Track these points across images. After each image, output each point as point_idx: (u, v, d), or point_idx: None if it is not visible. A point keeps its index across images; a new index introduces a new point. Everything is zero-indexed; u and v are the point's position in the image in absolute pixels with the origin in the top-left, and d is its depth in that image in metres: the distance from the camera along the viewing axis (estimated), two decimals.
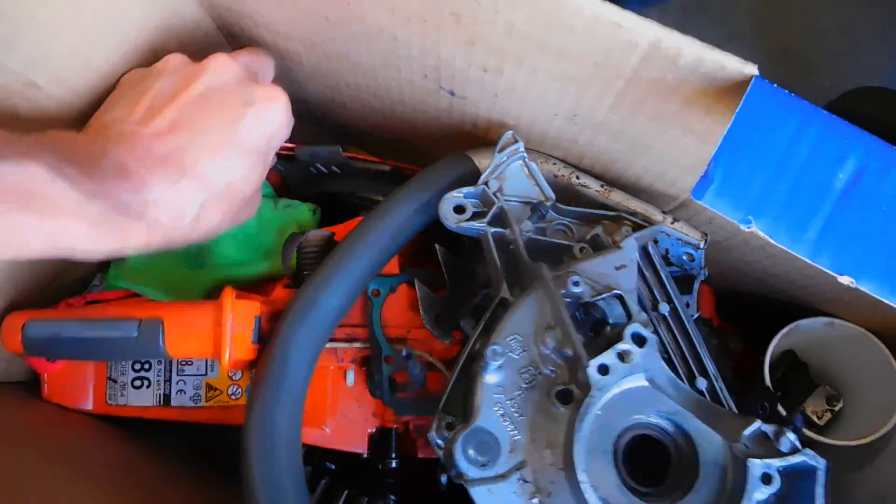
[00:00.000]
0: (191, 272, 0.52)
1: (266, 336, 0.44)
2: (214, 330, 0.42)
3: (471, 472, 0.34)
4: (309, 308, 0.40)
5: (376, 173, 0.53)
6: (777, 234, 0.29)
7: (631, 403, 0.35)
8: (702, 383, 0.41)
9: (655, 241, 0.43)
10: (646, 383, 0.35)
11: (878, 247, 0.29)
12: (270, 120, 0.42)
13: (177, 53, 0.42)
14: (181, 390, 0.51)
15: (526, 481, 0.34)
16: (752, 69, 0.30)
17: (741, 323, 0.53)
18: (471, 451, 0.34)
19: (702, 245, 0.43)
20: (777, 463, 0.33)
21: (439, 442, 0.35)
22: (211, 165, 0.39)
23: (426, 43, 0.40)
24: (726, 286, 0.50)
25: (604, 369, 0.34)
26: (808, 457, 0.33)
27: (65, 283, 0.53)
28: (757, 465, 0.32)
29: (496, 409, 0.35)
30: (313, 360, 0.40)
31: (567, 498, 0.33)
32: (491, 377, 0.36)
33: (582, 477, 0.31)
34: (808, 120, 0.29)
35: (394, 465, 0.46)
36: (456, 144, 0.51)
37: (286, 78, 0.53)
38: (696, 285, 0.48)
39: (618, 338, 0.36)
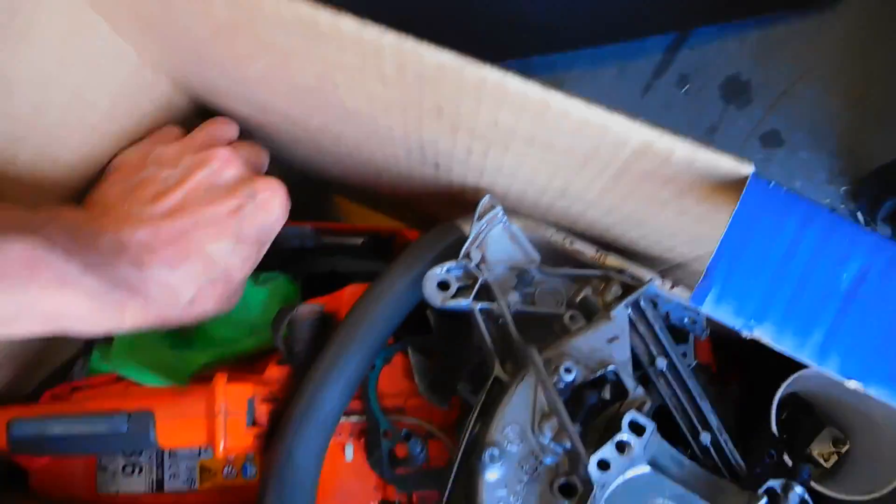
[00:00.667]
0: (177, 353, 0.51)
1: (261, 422, 0.44)
2: (208, 418, 0.41)
3: None
4: (313, 407, 0.39)
5: (352, 247, 0.52)
6: (781, 340, 0.29)
7: (635, 492, 0.35)
8: (706, 438, 0.41)
9: (655, 304, 0.42)
10: (648, 469, 0.35)
11: (886, 349, 0.28)
12: (269, 212, 0.44)
13: (178, 143, 0.44)
14: (174, 474, 0.50)
15: None
16: (748, 169, 0.29)
17: (741, 363, 0.53)
18: None
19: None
20: None
21: None
22: (213, 250, 0.41)
23: (408, 128, 0.39)
24: (724, 330, 0.49)
25: (604, 464, 0.34)
26: None
27: (46, 372, 0.52)
28: None
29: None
30: (321, 460, 0.40)
31: None
32: (491, 475, 0.36)
33: None
34: (809, 219, 0.28)
35: None
36: (444, 204, 0.50)
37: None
38: (691, 338, 0.47)
39: (615, 418, 0.36)
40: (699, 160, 0.30)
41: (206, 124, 0.47)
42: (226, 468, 0.50)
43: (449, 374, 0.47)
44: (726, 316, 0.29)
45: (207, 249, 0.40)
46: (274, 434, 0.40)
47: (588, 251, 0.44)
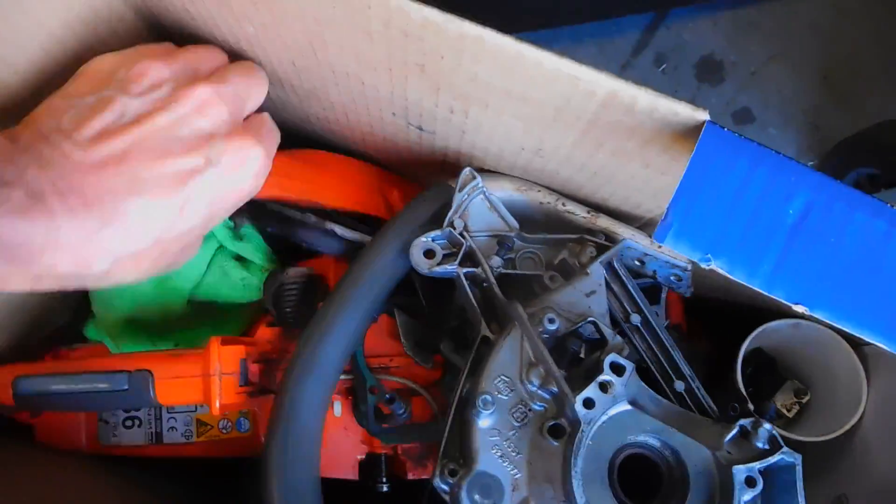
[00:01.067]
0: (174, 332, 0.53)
1: (253, 381, 0.46)
2: (203, 379, 0.43)
3: None
4: (316, 364, 0.41)
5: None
6: (734, 270, 0.31)
7: (618, 428, 0.37)
8: (679, 385, 0.44)
9: (642, 262, 0.45)
10: (629, 407, 0.37)
11: (828, 277, 0.31)
12: (232, 182, 0.37)
13: (160, 63, 0.36)
14: (172, 427, 0.52)
15: None
16: (703, 115, 0.32)
17: (709, 325, 0.56)
18: (476, 496, 0.36)
19: (689, 266, 0.45)
20: (758, 465, 0.36)
21: (444, 487, 0.37)
22: (142, 219, 0.33)
23: (393, 88, 0.41)
24: (695, 293, 0.52)
25: (589, 403, 0.36)
26: (785, 454, 0.36)
27: (45, 333, 0.54)
28: (741, 471, 0.35)
29: (494, 451, 0.37)
30: (324, 414, 0.41)
31: None
32: (484, 422, 0.38)
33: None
34: (757, 160, 0.31)
35: (385, 488, 0.48)
36: (429, 169, 0.52)
37: None
38: (664, 294, 0.50)
39: (596, 365, 0.38)
40: (659, 108, 0.32)
41: (195, 48, 0.39)
42: (221, 422, 0.52)
43: (432, 335, 0.49)
44: (685, 250, 0.32)
45: (136, 217, 0.33)
46: (277, 391, 0.42)
47: (580, 212, 0.46)
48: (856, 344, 0.48)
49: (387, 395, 0.45)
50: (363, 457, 0.48)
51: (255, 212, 0.52)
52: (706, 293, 0.52)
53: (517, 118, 0.39)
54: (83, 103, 0.34)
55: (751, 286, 0.31)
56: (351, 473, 0.47)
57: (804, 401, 0.55)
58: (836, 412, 0.50)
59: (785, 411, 0.55)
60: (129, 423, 0.52)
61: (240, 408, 0.45)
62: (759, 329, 0.51)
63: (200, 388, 0.42)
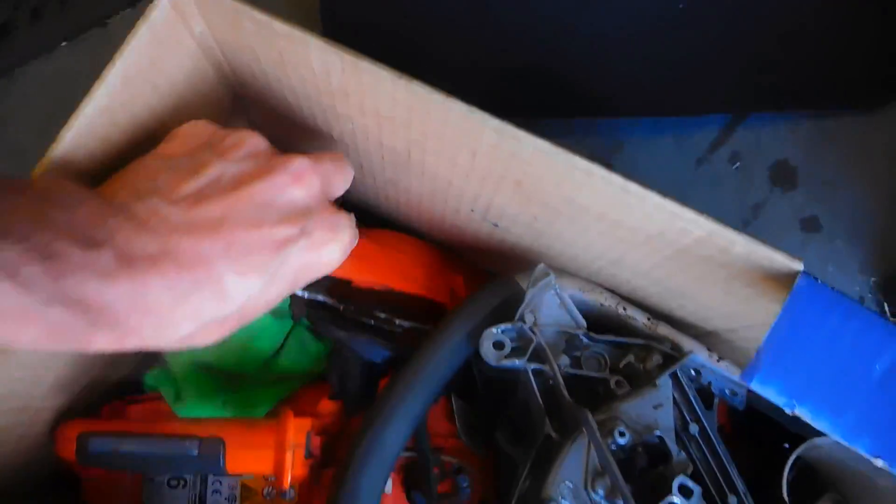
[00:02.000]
0: (245, 391, 0.53)
1: (315, 453, 0.47)
2: (276, 451, 0.44)
3: None
4: (378, 445, 0.41)
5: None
6: (818, 419, 0.33)
7: None
8: (733, 500, 0.45)
9: (698, 373, 0.46)
10: None
11: None
12: (322, 255, 0.37)
13: (258, 134, 0.36)
14: (216, 491, 0.52)
15: None
16: (798, 265, 0.33)
17: (750, 426, 0.57)
18: None
19: (746, 384, 0.46)
20: None
21: None
22: (235, 286, 0.32)
23: (481, 192, 0.43)
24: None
25: None
26: None
27: (106, 387, 0.54)
28: None
29: None
30: (381, 494, 0.42)
31: None
32: None
33: None
34: (849, 315, 0.33)
35: None
36: (493, 257, 0.54)
37: None
38: (715, 403, 0.51)
39: (661, 480, 0.39)
40: (756, 253, 0.34)
41: None
42: (266, 489, 0.52)
43: (488, 423, 0.50)
44: (771, 394, 0.33)
45: (229, 283, 0.31)
46: (337, 467, 0.42)
47: (640, 318, 0.47)
48: None
49: (455, 464, 0.46)
50: None
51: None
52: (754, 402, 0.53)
53: (604, 236, 0.40)
54: (180, 165, 0.34)
55: (832, 436, 0.32)
56: None
57: None
58: None
59: None
60: (173, 482, 0.53)
61: (302, 480, 0.45)
62: (808, 442, 0.51)
63: (272, 459, 0.43)
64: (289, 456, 0.43)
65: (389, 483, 0.49)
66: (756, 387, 0.33)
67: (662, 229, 0.36)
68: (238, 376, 0.52)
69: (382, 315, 0.50)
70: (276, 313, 0.52)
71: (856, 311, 0.33)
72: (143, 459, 0.43)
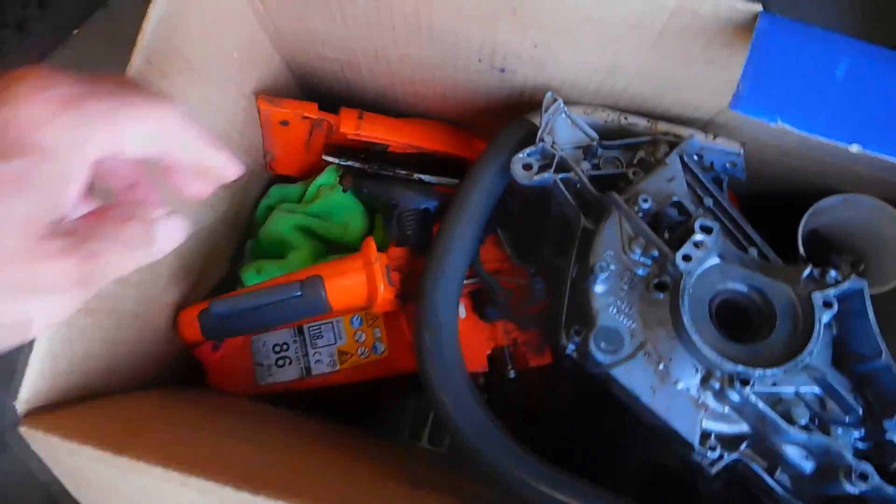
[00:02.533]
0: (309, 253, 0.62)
1: (396, 285, 0.54)
2: (366, 268, 0.51)
3: (607, 359, 0.44)
4: (445, 268, 0.49)
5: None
6: (798, 123, 0.39)
7: (712, 278, 0.45)
8: (753, 251, 0.52)
9: (700, 157, 0.53)
10: (718, 261, 0.46)
11: (874, 120, 0.39)
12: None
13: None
14: (318, 360, 0.61)
15: (649, 354, 0.44)
16: (757, 7, 0.40)
17: (765, 221, 0.64)
18: (602, 345, 0.44)
19: (741, 152, 0.53)
20: (833, 291, 0.43)
21: (572, 347, 0.45)
22: None
23: (484, 34, 0.50)
24: (749, 189, 0.60)
25: (687, 258, 0.44)
26: (852, 281, 0.44)
27: (211, 286, 0.62)
28: (818, 296, 0.43)
29: (611, 309, 0.46)
30: (456, 312, 0.50)
31: (683, 355, 0.43)
32: (599, 287, 0.46)
33: (695, 336, 0.42)
34: (806, 36, 0.39)
35: (512, 374, 0.56)
36: (508, 113, 0.60)
37: (340, 83, 0.63)
38: (725, 185, 0.58)
39: (687, 233, 0.47)
40: (722, 6, 0.40)
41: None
42: (360, 349, 0.60)
43: (533, 245, 0.58)
44: (756, 113, 0.40)
45: None
46: (417, 295, 0.50)
47: (641, 122, 0.54)
48: None
49: (531, 270, 0.53)
50: (490, 351, 0.56)
51: (355, 175, 0.61)
52: (760, 188, 0.60)
53: (595, 40, 0.47)
54: None
55: (810, 134, 0.39)
56: (482, 366, 0.56)
57: (860, 270, 0.63)
58: (887, 271, 0.58)
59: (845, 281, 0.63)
60: (280, 362, 0.61)
61: (391, 308, 0.53)
62: (815, 206, 0.58)
63: (365, 282, 0.50)
64: (377, 268, 0.50)
65: (462, 309, 0.57)
66: (742, 109, 0.40)
67: (641, 13, 0.43)
68: (331, 243, 0.61)
69: (421, 173, 0.57)
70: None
71: (812, 32, 0.39)
72: (256, 311, 0.50)
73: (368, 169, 0.58)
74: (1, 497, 0.75)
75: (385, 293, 0.50)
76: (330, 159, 0.60)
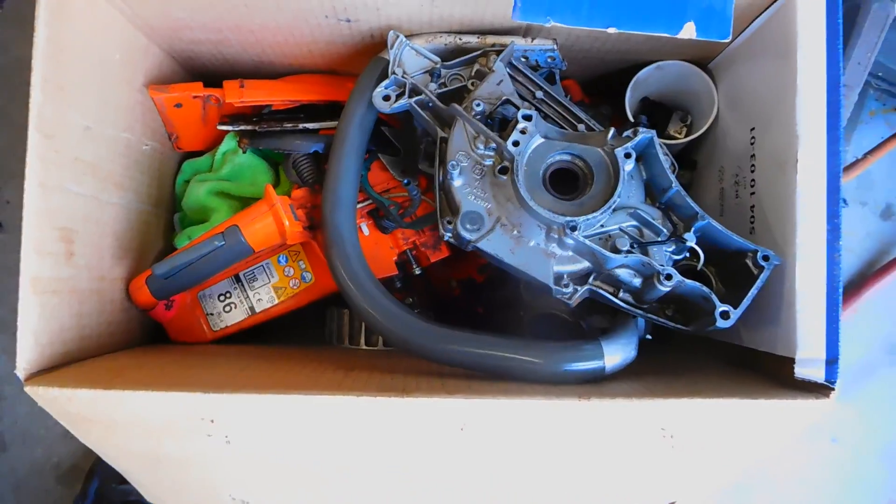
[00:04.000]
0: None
1: (302, 219, 0.64)
2: (272, 209, 0.61)
3: (473, 236, 0.56)
4: (339, 195, 0.60)
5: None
6: (565, 19, 0.50)
7: (540, 154, 0.57)
8: (582, 128, 0.63)
9: (526, 58, 0.64)
10: (542, 140, 0.57)
11: (627, 5, 0.50)
12: None
13: None
14: (259, 299, 0.72)
15: (504, 225, 0.56)
16: None
17: (610, 98, 0.75)
18: (468, 226, 0.56)
19: (555, 46, 0.64)
20: (630, 144, 0.55)
21: (448, 233, 0.57)
22: None
23: None
24: (589, 74, 0.72)
25: (516, 143, 0.56)
26: (643, 132, 0.56)
27: (151, 257, 0.72)
28: (619, 151, 0.55)
29: (470, 197, 0.57)
30: (356, 229, 0.60)
31: (528, 220, 0.55)
32: (458, 182, 0.57)
33: (531, 203, 0.54)
34: None
35: (418, 271, 0.68)
36: (362, 56, 0.70)
37: (220, 60, 0.71)
38: (558, 78, 0.69)
39: (515, 123, 0.58)
40: None
41: None
42: (291, 281, 0.71)
43: (411, 163, 0.69)
44: (532, 17, 0.50)
45: None
46: (320, 221, 0.61)
47: (473, 39, 0.64)
48: (705, 68, 0.69)
49: (405, 181, 0.64)
50: (396, 258, 0.68)
51: (250, 137, 0.70)
52: (592, 71, 0.71)
53: None
54: None
55: (576, 25, 0.50)
56: (391, 270, 0.67)
57: (688, 122, 0.76)
58: (704, 115, 0.70)
59: (677, 135, 0.76)
60: (227, 308, 0.72)
61: (303, 238, 0.63)
62: (634, 78, 0.70)
63: (272, 221, 0.60)
64: (279, 207, 0.60)
65: (365, 228, 0.68)
66: (520, 16, 0.50)
67: None
68: (245, 199, 0.71)
69: (304, 122, 0.67)
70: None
71: None
72: (193, 266, 0.61)
73: (259, 129, 0.68)
74: None
75: (292, 227, 0.61)
76: (225, 128, 0.69)
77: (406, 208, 0.67)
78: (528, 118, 0.57)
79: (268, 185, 0.62)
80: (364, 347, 0.73)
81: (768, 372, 0.56)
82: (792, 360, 0.52)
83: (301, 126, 0.68)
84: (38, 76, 0.52)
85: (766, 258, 0.54)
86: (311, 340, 0.77)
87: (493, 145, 0.57)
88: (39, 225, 0.51)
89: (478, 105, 0.59)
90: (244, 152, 0.70)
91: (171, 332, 0.71)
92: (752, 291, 0.53)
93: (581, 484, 0.58)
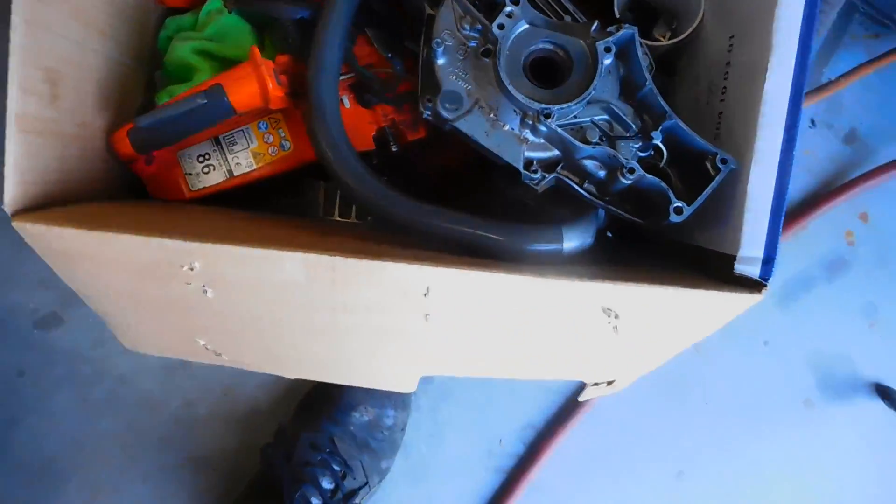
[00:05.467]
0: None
1: (285, 85, 0.65)
2: (255, 72, 0.62)
3: (452, 115, 0.58)
4: (324, 62, 0.60)
5: None
6: None
7: (524, 40, 0.58)
8: (567, 19, 0.64)
9: None
10: (527, 27, 0.58)
11: None
12: None
13: None
14: (238, 163, 0.73)
15: (482, 107, 0.58)
16: None
17: None
18: (448, 105, 0.58)
19: None
20: (611, 39, 0.57)
21: (427, 111, 0.59)
22: None
23: None
24: None
25: (501, 26, 0.57)
26: (626, 28, 0.57)
27: (132, 111, 0.72)
28: (600, 44, 0.57)
29: (451, 77, 0.59)
30: (337, 100, 0.62)
31: (505, 104, 0.57)
32: (441, 60, 0.59)
33: (510, 87, 0.55)
34: None
35: (395, 149, 0.70)
36: None
37: None
38: None
39: (502, 5, 0.59)
40: None
41: None
42: (270, 148, 0.73)
43: (396, 38, 0.69)
44: None
45: None
46: (305, 88, 0.62)
47: None
48: None
49: (389, 56, 0.65)
50: (375, 133, 0.70)
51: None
52: None
53: None
54: None
55: None
56: (369, 145, 0.69)
57: (674, 26, 0.77)
58: (690, 16, 0.71)
59: (663, 39, 0.77)
60: (206, 169, 0.73)
61: (284, 104, 0.65)
62: None
63: (256, 82, 0.61)
64: (263, 70, 0.61)
65: (346, 101, 0.69)
66: None
67: None
68: (228, 60, 0.71)
69: None
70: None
71: None
72: (175, 121, 0.62)
73: None
74: None
75: (274, 90, 0.62)
76: None
77: (388, 84, 0.68)
78: (515, 2, 0.57)
79: (253, 46, 0.63)
80: (338, 219, 0.75)
81: (713, 270, 0.61)
82: (733, 258, 0.57)
83: None
84: None
85: (724, 161, 0.57)
86: (284, 212, 0.79)
87: (479, 27, 0.58)
88: (24, 62, 0.51)
89: None
90: (230, 12, 0.70)
91: (151, 187, 0.72)
92: (707, 191, 0.57)
93: (531, 355, 0.64)
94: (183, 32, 0.73)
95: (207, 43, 0.71)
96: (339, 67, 0.63)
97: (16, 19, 0.50)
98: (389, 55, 0.68)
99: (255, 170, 0.73)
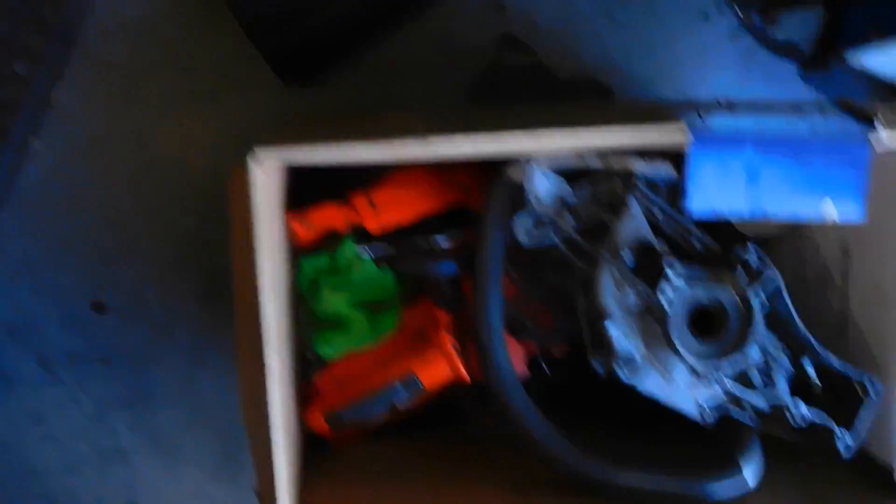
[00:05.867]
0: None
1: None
2: (447, 359, 0.68)
3: (629, 375, 0.64)
4: (491, 330, 0.66)
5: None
6: (729, 209, 0.57)
7: (683, 298, 0.64)
8: (697, 244, 0.70)
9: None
10: (685, 284, 0.64)
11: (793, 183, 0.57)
12: None
13: None
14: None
15: (654, 365, 0.64)
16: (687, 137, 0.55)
17: None
18: (624, 368, 0.63)
19: (672, 168, 0.68)
20: (759, 287, 0.63)
21: (601, 368, 0.64)
22: None
23: None
24: None
25: (663, 292, 0.63)
26: (769, 271, 0.64)
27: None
28: (756, 300, 0.63)
29: (622, 340, 0.64)
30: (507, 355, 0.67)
31: (678, 363, 0.63)
32: (613, 332, 0.64)
33: (683, 352, 0.61)
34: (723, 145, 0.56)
35: (548, 371, 0.76)
36: None
37: None
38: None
39: (657, 269, 0.64)
40: None
41: None
42: None
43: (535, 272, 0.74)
44: (702, 212, 0.57)
45: None
46: (477, 349, 0.67)
47: (594, 159, 0.67)
48: None
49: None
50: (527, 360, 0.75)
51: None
52: None
53: None
54: None
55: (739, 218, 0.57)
56: (525, 373, 0.75)
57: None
58: None
59: None
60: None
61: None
62: None
63: (447, 366, 0.67)
64: (455, 360, 0.67)
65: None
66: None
67: None
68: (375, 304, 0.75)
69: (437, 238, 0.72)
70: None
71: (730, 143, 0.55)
72: (370, 409, 0.67)
73: (398, 253, 0.72)
74: None
75: (463, 369, 0.68)
76: (367, 255, 0.73)
77: (535, 319, 0.73)
78: (671, 265, 0.63)
79: (444, 334, 0.68)
80: None
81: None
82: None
83: (435, 244, 0.73)
84: None
85: (872, 382, 0.64)
86: None
87: (640, 291, 0.64)
88: None
89: (625, 253, 0.64)
90: (378, 266, 0.75)
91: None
92: (866, 421, 0.64)
93: None
94: (328, 278, 0.77)
95: (358, 294, 0.76)
96: (502, 322, 0.68)
97: None
98: (531, 292, 0.73)
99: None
